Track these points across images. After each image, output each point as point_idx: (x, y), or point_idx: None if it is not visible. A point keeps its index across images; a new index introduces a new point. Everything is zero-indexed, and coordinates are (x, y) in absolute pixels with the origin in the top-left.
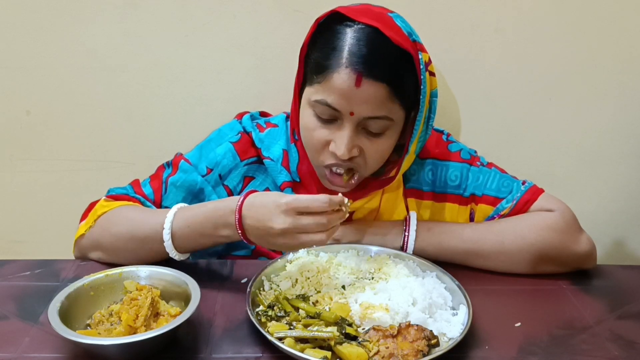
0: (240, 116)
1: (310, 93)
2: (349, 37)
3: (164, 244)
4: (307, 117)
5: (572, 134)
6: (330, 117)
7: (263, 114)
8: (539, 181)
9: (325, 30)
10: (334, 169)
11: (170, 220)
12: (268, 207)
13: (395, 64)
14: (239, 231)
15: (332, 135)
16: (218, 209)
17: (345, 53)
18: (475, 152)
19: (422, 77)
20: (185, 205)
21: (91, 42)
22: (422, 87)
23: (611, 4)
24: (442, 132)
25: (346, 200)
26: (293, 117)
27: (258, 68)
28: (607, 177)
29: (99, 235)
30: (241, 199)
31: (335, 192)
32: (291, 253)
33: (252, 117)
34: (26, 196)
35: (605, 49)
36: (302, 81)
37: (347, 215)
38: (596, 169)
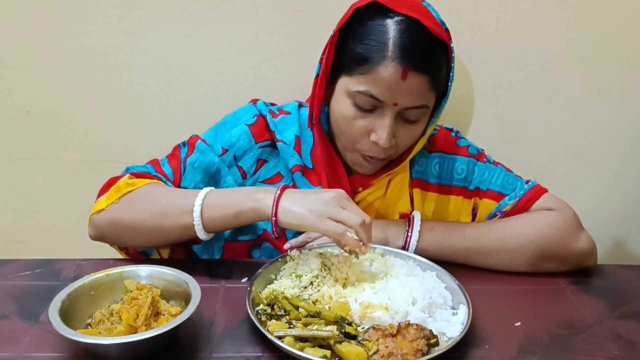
0: (254, 101)
1: (350, 83)
2: (392, 29)
3: (193, 213)
4: (345, 106)
5: (572, 134)
6: (371, 107)
7: (272, 105)
8: (539, 181)
9: (365, 20)
10: (369, 160)
11: (203, 195)
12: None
13: (435, 55)
14: (278, 192)
15: (373, 125)
16: (259, 187)
17: (390, 46)
18: (483, 150)
19: (452, 65)
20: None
21: (91, 42)
22: (452, 74)
23: (611, 4)
24: (451, 129)
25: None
26: (315, 101)
27: (258, 68)
28: (607, 177)
29: (123, 212)
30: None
31: (347, 183)
32: (293, 252)
33: (266, 104)
34: (26, 196)
35: (605, 49)
36: (335, 69)
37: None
38: (596, 169)
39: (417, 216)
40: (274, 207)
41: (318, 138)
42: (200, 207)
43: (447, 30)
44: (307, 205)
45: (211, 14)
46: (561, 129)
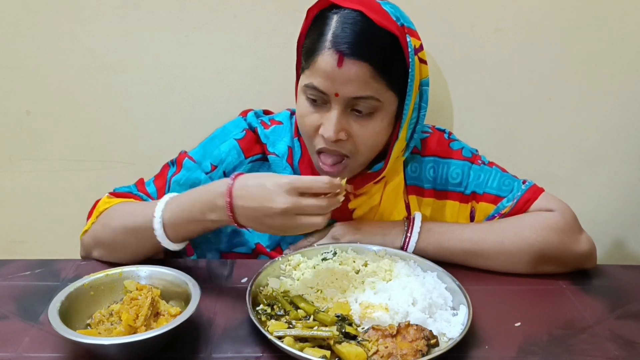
0: (244, 113)
1: (302, 79)
2: (334, 21)
3: (155, 232)
4: (301, 103)
5: (572, 134)
6: (320, 101)
7: (266, 112)
8: (539, 181)
9: (316, 19)
10: (322, 157)
11: (162, 209)
12: (267, 187)
13: (378, 44)
14: (229, 213)
15: (322, 119)
16: (207, 192)
17: (329, 36)
18: (477, 151)
19: (410, 60)
20: (177, 194)
21: (91, 42)
22: (410, 70)
23: (611, 4)
24: (443, 130)
25: (344, 182)
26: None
27: (258, 68)
28: (607, 177)
29: (99, 231)
30: (230, 182)
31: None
32: (294, 254)
33: (257, 115)
34: (26, 196)
35: (605, 49)
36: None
37: (342, 199)
38: (596, 169)
39: (417, 217)
40: (227, 196)
41: (304, 146)
42: (160, 222)
43: (402, 25)
44: (263, 223)
45: (211, 14)
46: (561, 129)
